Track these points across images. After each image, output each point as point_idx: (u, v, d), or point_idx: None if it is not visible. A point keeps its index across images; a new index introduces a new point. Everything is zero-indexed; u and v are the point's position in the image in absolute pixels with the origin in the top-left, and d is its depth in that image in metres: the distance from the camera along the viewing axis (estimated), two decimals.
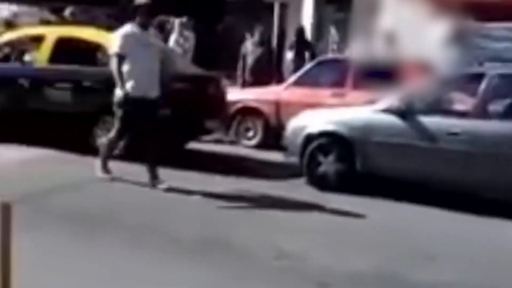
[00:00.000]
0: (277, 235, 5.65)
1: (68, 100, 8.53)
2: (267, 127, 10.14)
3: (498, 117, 7.00)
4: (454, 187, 6.91)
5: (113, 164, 7.28)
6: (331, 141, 7.47)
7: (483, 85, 6.93)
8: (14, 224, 3.06)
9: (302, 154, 7.59)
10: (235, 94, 10.29)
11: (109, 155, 7.21)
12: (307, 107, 8.54)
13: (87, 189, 6.83)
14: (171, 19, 12.04)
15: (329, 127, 7.52)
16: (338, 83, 9.83)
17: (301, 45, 11.72)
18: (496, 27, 8.28)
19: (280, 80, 11.19)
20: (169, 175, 7.11)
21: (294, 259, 5.01)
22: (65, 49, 8.68)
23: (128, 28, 7.08)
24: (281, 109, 9.96)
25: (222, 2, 16.63)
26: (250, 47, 11.56)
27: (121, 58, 6.91)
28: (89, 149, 8.16)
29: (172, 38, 11.70)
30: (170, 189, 6.81)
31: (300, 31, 12.06)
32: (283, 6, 15.58)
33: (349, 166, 7.36)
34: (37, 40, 9.12)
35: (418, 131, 7.06)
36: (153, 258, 4.76)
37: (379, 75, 9.46)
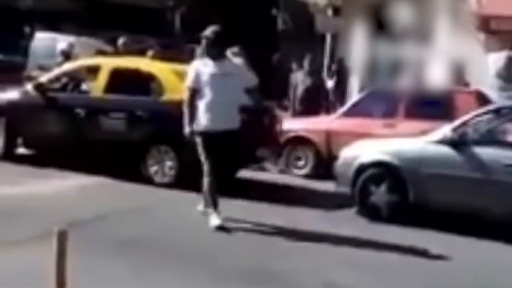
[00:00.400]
0: (327, 267, 5.60)
1: (121, 129, 8.68)
2: (317, 157, 10.12)
3: None
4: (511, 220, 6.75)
5: (167, 192, 7.27)
6: (383, 171, 7.40)
7: None
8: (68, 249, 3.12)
9: (353, 184, 7.53)
10: (286, 124, 10.31)
11: (211, 194, 6.65)
12: (358, 137, 8.50)
13: (139, 217, 6.90)
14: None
15: (382, 157, 7.46)
16: (390, 113, 9.77)
17: (342, 74, 11.74)
18: None
19: (329, 109, 11.19)
20: (222, 206, 7.08)
21: None
22: (120, 79, 8.85)
23: (199, 60, 6.94)
24: (332, 139, 9.93)
25: (275, 33, 16.80)
26: (300, 77, 11.61)
27: (193, 92, 6.67)
28: (141, 178, 8.29)
29: None
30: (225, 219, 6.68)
31: (341, 61, 12.07)
32: (334, 37, 15.64)
33: (401, 197, 7.27)
34: (93, 70, 9.35)
35: (473, 163, 6.94)
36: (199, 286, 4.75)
37: (432, 105, 9.42)
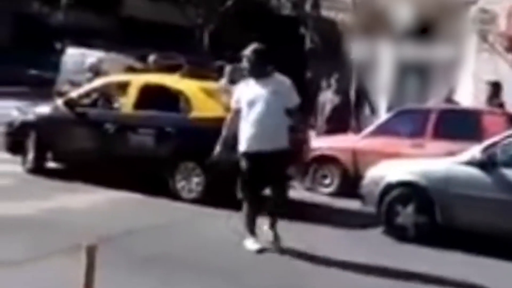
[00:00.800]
0: (355, 287, 5.58)
1: (150, 145, 8.77)
2: (344, 175, 10.09)
3: None
4: None
5: (194, 208, 7.26)
6: (410, 191, 7.36)
7: None
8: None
9: (380, 204, 7.50)
10: (313, 142, 10.31)
11: (249, 220, 6.52)
12: (385, 156, 8.47)
13: (166, 232, 6.95)
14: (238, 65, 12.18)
15: (409, 178, 7.42)
16: (418, 133, 9.73)
17: (362, 94, 11.75)
18: None
19: (359, 128, 11.18)
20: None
21: None
22: (149, 96, 8.95)
23: (244, 81, 6.74)
24: (359, 158, 9.90)
25: (304, 52, 16.88)
26: (329, 95, 11.63)
27: (235, 113, 6.55)
28: (170, 194, 8.36)
29: None
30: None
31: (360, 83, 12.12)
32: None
33: (429, 218, 7.22)
34: (123, 86, 9.47)
35: (502, 184, 6.88)
36: None
37: (461, 125, 9.36)
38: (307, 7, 22.48)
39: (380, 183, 7.57)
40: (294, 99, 6.58)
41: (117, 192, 8.58)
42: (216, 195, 8.14)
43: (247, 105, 6.42)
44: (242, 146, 6.44)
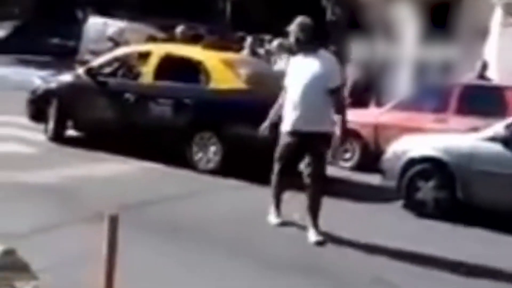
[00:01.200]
0: (373, 261, 5.56)
1: (169, 116, 8.76)
2: (365, 150, 10.03)
3: None
4: None
5: (211, 179, 7.25)
6: (432, 167, 7.29)
7: None
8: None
9: (401, 178, 7.45)
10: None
11: (275, 194, 6.40)
12: (407, 131, 8.39)
13: (185, 203, 6.96)
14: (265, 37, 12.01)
15: (432, 153, 7.35)
16: (441, 108, 9.61)
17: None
18: None
19: (380, 102, 11.08)
20: (263, 194, 6.91)
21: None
22: (170, 66, 8.91)
23: (292, 58, 6.43)
24: (380, 132, 9.82)
25: (325, 24, 16.68)
26: (350, 69, 11.52)
27: (285, 89, 6.25)
28: (186, 164, 8.36)
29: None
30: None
31: None
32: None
33: (449, 194, 7.16)
34: (144, 56, 9.44)
35: None
36: (247, 275, 4.76)
37: (485, 101, 9.23)
38: None
39: (402, 157, 7.50)
40: (337, 79, 6.19)
41: (135, 162, 8.59)
42: (233, 165, 8.12)
43: (292, 82, 6.12)
44: (286, 125, 6.15)
